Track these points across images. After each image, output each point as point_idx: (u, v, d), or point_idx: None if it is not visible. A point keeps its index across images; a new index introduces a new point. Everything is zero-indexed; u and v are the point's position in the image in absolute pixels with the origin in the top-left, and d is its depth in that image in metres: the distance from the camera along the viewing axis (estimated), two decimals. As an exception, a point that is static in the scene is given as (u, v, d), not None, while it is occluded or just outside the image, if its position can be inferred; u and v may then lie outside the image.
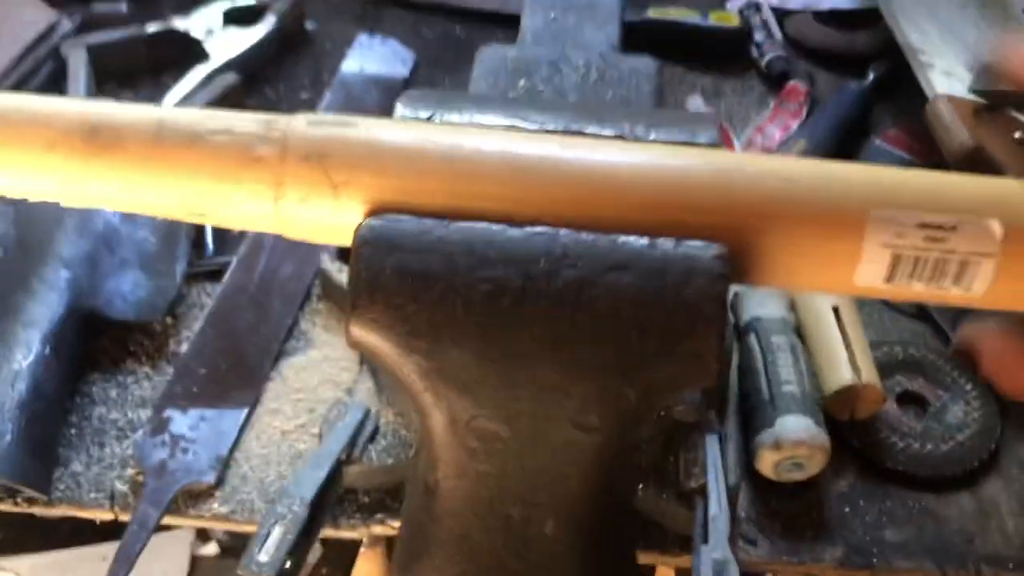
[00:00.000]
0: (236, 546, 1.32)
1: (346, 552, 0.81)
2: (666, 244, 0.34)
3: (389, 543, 0.68)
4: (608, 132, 0.39)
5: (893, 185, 0.35)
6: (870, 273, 0.35)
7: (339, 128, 0.36)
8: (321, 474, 0.55)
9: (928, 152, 0.81)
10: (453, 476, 0.35)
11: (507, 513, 0.35)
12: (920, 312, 0.71)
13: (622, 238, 0.34)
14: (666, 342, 0.33)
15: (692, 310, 0.33)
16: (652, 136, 0.39)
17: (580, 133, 0.39)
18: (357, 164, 0.35)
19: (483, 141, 0.36)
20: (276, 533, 0.53)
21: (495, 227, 0.35)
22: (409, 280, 0.34)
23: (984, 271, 0.34)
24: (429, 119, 0.40)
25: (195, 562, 1.25)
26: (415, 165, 0.35)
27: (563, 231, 0.34)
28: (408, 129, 0.36)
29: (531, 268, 0.34)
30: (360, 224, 0.35)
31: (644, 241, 0.34)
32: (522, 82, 0.52)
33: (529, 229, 0.34)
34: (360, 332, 0.34)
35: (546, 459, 0.34)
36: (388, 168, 0.35)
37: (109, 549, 1.17)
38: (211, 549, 1.29)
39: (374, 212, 0.35)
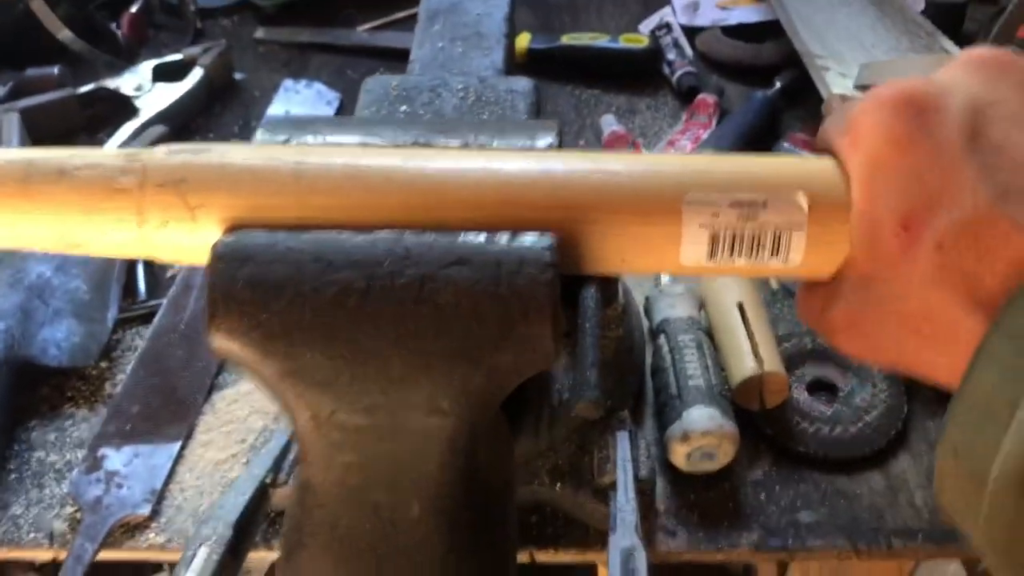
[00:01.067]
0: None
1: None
2: (502, 238, 0.37)
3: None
4: (454, 142, 0.42)
5: (706, 169, 0.38)
6: (693, 253, 0.38)
7: (193, 155, 0.39)
8: (244, 498, 0.57)
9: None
10: (321, 469, 0.37)
11: (374, 499, 0.37)
12: (829, 303, 0.73)
13: (462, 236, 0.37)
14: (503, 328, 0.36)
15: (524, 297, 0.36)
16: (495, 143, 0.42)
17: (428, 145, 0.42)
18: (211, 186, 0.38)
19: (328, 157, 0.39)
20: (201, 554, 0.55)
21: (342, 234, 0.37)
22: (261, 289, 0.36)
23: (797, 242, 0.37)
24: (285, 142, 0.42)
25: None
26: (265, 183, 0.38)
27: (407, 233, 0.37)
28: (258, 150, 0.39)
29: (375, 269, 0.36)
30: (215, 242, 0.37)
31: (482, 237, 0.37)
32: (403, 108, 0.55)
33: (374, 234, 0.37)
34: (220, 341, 0.36)
35: (405, 445, 0.37)
36: (240, 188, 0.38)
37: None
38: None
39: (230, 230, 0.38)
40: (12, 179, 0.38)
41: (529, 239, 0.37)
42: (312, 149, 0.40)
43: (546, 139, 0.42)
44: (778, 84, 0.90)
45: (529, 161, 0.39)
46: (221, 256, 0.37)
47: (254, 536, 0.58)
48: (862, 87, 0.73)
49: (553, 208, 0.38)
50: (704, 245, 0.37)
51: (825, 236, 0.37)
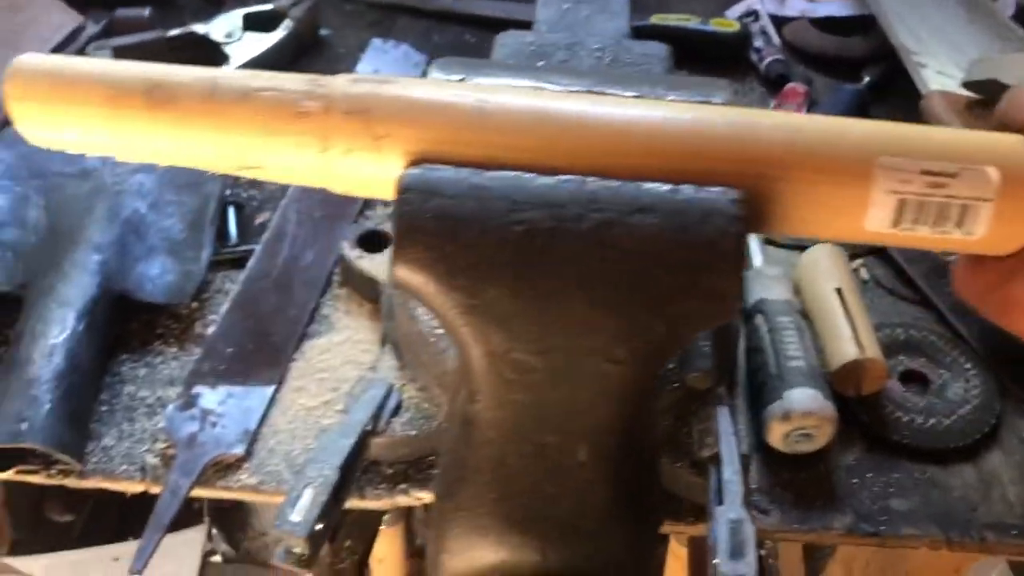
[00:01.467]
0: (240, 555, 1.34)
1: (368, 527, 0.82)
2: (687, 190, 0.37)
3: (407, 524, 0.70)
4: (629, 93, 0.42)
5: (899, 136, 0.38)
6: (878, 219, 0.38)
7: (379, 85, 0.39)
8: (349, 442, 0.57)
9: (924, 148, 0.84)
10: (491, 407, 0.37)
11: (541, 441, 0.37)
12: (920, 298, 0.73)
13: (646, 184, 0.37)
14: (688, 277, 0.36)
15: (712, 247, 0.36)
16: (670, 97, 0.42)
17: (602, 93, 0.42)
18: (397, 118, 0.38)
19: (515, 97, 0.39)
20: (307, 495, 0.55)
21: (526, 175, 0.37)
22: (448, 223, 0.36)
23: (983, 215, 0.37)
24: (461, 81, 0.42)
25: (204, 566, 1.27)
26: (450, 118, 0.38)
27: (590, 179, 0.37)
28: (442, 86, 0.39)
29: (561, 211, 0.36)
30: (401, 174, 0.37)
31: (667, 187, 0.37)
32: (540, 63, 0.55)
33: (558, 177, 0.37)
34: (404, 272, 0.36)
35: (578, 390, 0.37)
36: (425, 122, 0.38)
37: (120, 550, 1.19)
38: (218, 558, 1.31)
39: (413, 164, 0.38)
40: (197, 97, 0.38)
41: (715, 192, 0.37)
42: (495, 89, 0.39)
43: (721, 95, 0.42)
44: (866, 78, 0.90)
45: (714, 114, 0.38)
46: (408, 188, 0.37)
47: (354, 482, 0.58)
48: (974, 83, 0.73)
49: (738, 162, 0.37)
50: (890, 211, 0.37)
51: (1012, 211, 0.37)
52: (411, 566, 0.77)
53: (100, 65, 0.39)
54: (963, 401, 0.66)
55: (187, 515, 1.22)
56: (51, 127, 0.39)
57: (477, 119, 0.38)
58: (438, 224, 0.36)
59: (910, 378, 0.68)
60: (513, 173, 0.37)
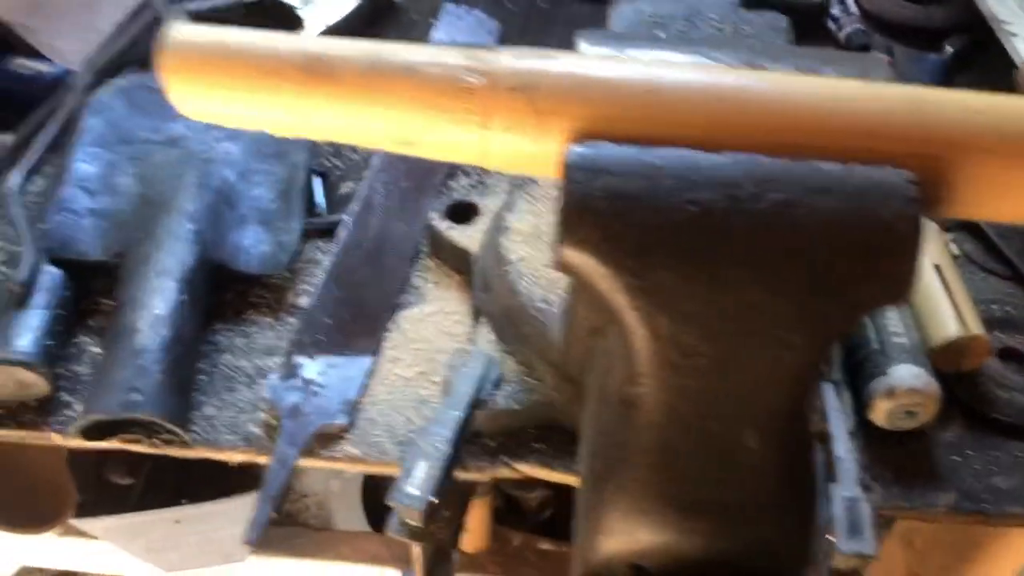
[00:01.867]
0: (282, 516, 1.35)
1: (464, 497, 0.82)
2: (861, 170, 0.36)
3: (494, 494, 0.70)
4: (785, 67, 0.41)
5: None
6: None
7: (544, 60, 0.38)
8: (458, 414, 0.57)
9: (1011, 121, 0.83)
10: (656, 390, 0.37)
11: (709, 425, 0.36)
12: (1014, 273, 0.73)
13: (819, 164, 0.36)
14: (866, 261, 0.35)
15: (890, 230, 0.35)
16: (827, 72, 0.41)
17: (760, 68, 0.41)
18: (562, 94, 0.37)
19: (681, 71, 0.38)
20: (422, 468, 0.55)
21: (697, 152, 0.36)
22: (618, 202, 0.36)
23: None
24: (616, 56, 0.41)
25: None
26: (617, 94, 0.37)
27: (762, 157, 0.36)
28: (606, 62, 0.38)
29: (735, 191, 0.36)
30: (567, 150, 0.37)
31: (841, 167, 0.36)
32: (660, 34, 0.54)
33: (730, 154, 0.36)
34: (570, 252, 0.36)
35: (748, 375, 0.36)
36: (592, 98, 0.37)
37: (181, 513, 1.19)
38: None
39: (575, 141, 0.37)
40: (357, 71, 0.37)
41: (890, 172, 0.36)
42: (661, 64, 0.39)
43: (881, 73, 0.41)
44: (949, 49, 0.88)
45: (886, 92, 0.38)
46: (576, 166, 0.36)
47: (463, 453, 0.58)
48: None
49: (913, 142, 0.37)
50: None
51: None
52: (495, 535, 0.78)
53: (256, 37, 0.38)
54: (1064, 379, 0.65)
55: (243, 478, 1.23)
56: (207, 100, 0.38)
57: (645, 95, 0.37)
58: (608, 203, 0.35)
59: (1008, 355, 0.67)
60: (683, 151, 0.36)
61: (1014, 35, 0.80)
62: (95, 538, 1.14)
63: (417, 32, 0.91)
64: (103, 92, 0.74)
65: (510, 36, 0.91)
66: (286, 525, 1.35)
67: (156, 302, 0.61)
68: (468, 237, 0.70)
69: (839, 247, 0.35)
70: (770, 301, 0.35)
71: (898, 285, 0.35)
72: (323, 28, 0.85)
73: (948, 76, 0.87)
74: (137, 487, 1.22)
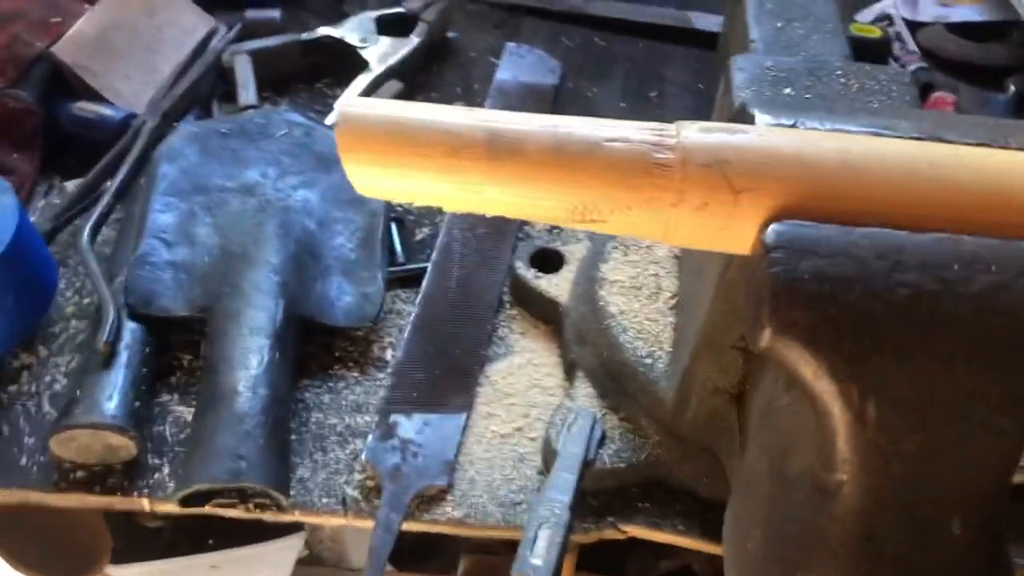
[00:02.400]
0: (312, 557, 1.33)
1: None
2: None
3: (582, 549, 0.68)
4: (970, 140, 0.40)
5: None
6: None
7: (733, 135, 0.37)
8: (573, 477, 0.56)
9: (1080, 161, 0.83)
10: (859, 477, 0.35)
11: (914, 512, 0.35)
12: None
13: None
14: None
15: None
16: (1012, 143, 0.40)
17: (944, 140, 0.40)
18: (757, 171, 0.36)
19: (873, 146, 0.37)
20: (544, 536, 0.53)
21: (899, 232, 0.35)
22: (827, 284, 0.34)
23: None
24: (793, 126, 0.40)
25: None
26: (814, 171, 0.36)
27: (966, 237, 0.35)
28: (799, 136, 0.37)
29: (944, 272, 0.34)
30: (767, 229, 0.35)
31: (1048, 246, 0.35)
32: (787, 90, 0.53)
33: (933, 234, 0.35)
34: (777, 336, 0.34)
35: (956, 461, 0.35)
36: (787, 174, 0.36)
37: (218, 558, 1.16)
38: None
39: (772, 218, 0.36)
40: (542, 148, 0.36)
41: (1097, 250, 0.35)
42: (849, 137, 0.37)
43: (1063, 144, 0.40)
44: (1012, 88, 0.88)
45: (1083, 167, 0.37)
46: (777, 246, 0.35)
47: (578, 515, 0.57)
48: None
49: (1119, 218, 0.36)
50: None
51: None
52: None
53: (432, 112, 0.37)
54: None
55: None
56: (385, 178, 0.36)
57: (841, 172, 0.36)
58: (818, 286, 0.34)
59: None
60: (884, 230, 0.35)
61: (1083, 76, 0.80)
62: (132, 585, 1.10)
63: (477, 70, 0.89)
64: (175, 138, 0.71)
65: (571, 74, 0.90)
66: (316, 566, 1.33)
67: (251, 361, 0.59)
68: (556, 287, 0.69)
69: (1053, 330, 0.34)
70: (982, 386, 0.34)
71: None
72: (384, 68, 0.83)
73: (1013, 117, 0.87)
74: (167, 530, 1.19)
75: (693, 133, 0.37)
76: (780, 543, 0.38)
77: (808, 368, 0.35)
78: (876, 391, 0.35)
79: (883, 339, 0.34)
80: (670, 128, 0.37)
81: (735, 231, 0.36)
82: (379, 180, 0.37)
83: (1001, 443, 0.35)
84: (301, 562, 1.32)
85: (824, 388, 0.35)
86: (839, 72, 0.54)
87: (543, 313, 0.69)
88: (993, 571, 0.36)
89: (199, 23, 0.83)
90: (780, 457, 0.40)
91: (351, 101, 0.37)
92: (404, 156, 0.36)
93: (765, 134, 0.37)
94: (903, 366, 0.34)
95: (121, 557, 1.13)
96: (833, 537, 0.36)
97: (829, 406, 0.35)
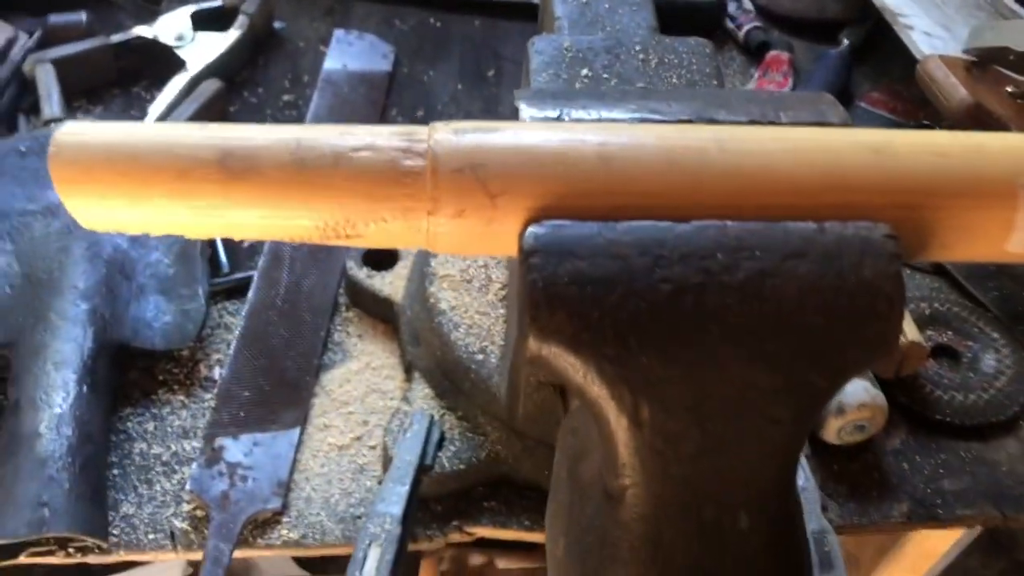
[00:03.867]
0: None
1: (412, 562, 0.79)
2: (835, 228, 0.34)
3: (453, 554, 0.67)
4: (739, 117, 0.39)
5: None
6: (1022, 241, 0.36)
7: (487, 135, 0.34)
8: (405, 488, 0.54)
9: (912, 112, 0.84)
10: (641, 481, 0.34)
11: (700, 513, 0.34)
12: (935, 267, 0.73)
13: (791, 225, 0.34)
14: (849, 326, 0.33)
15: (872, 291, 0.33)
16: (784, 119, 0.39)
17: (713, 121, 0.38)
18: (514, 171, 0.34)
19: (634, 136, 0.35)
20: (374, 554, 0.51)
21: (662, 224, 0.34)
22: (588, 288, 0.33)
23: None
24: (558, 119, 0.38)
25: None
26: (572, 167, 0.34)
27: (730, 223, 0.34)
28: (555, 131, 0.35)
29: (708, 263, 0.33)
30: (524, 233, 0.33)
31: (813, 226, 0.34)
32: (584, 71, 0.51)
33: (696, 223, 0.34)
34: (539, 344, 0.33)
35: (737, 456, 0.34)
36: (545, 173, 0.34)
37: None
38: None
39: (533, 220, 0.34)
40: (280, 164, 0.33)
41: (864, 228, 0.34)
42: (612, 128, 0.36)
43: (836, 115, 0.39)
44: (846, 41, 0.89)
45: (849, 140, 0.36)
46: (536, 250, 0.33)
47: (413, 526, 0.55)
48: (983, 50, 0.72)
49: (883, 193, 0.35)
50: None
51: None
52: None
53: (159, 132, 0.34)
54: (997, 373, 0.66)
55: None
56: (111, 209, 0.33)
57: (599, 165, 0.34)
58: (578, 290, 0.32)
59: (940, 353, 0.68)
60: (647, 223, 0.34)
61: (910, 28, 0.81)
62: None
63: (306, 61, 0.86)
64: (-35, 161, 0.66)
65: (405, 58, 0.87)
66: None
67: (56, 399, 0.55)
68: (390, 285, 0.66)
69: (819, 314, 0.33)
70: (755, 376, 0.33)
71: (883, 347, 0.34)
72: (202, 66, 0.79)
73: (848, 69, 0.87)
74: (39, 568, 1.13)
75: (445, 136, 0.34)
76: (578, 552, 0.37)
77: (577, 374, 0.33)
78: (647, 393, 0.33)
79: (649, 339, 0.33)
80: (422, 132, 0.35)
81: (498, 236, 0.34)
82: (105, 213, 0.33)
83: (781, 432, 0.34)
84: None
85: (595, 393, 0.33)
86: (638, 48, 0.52)
87: (379, 313, 0.67)
88: (788, 560, 0.35)
89: (-5, 32, 0.77)
90: (575, 461, 0.39)
91: (67, 128, 0.33)
92: (129, 184, 0.33)
93: (521, 131, 0.35)
94: (672, 365, 0.33)
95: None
96: (623, 545, 0.35)
97: (604, 410, 0.34)
